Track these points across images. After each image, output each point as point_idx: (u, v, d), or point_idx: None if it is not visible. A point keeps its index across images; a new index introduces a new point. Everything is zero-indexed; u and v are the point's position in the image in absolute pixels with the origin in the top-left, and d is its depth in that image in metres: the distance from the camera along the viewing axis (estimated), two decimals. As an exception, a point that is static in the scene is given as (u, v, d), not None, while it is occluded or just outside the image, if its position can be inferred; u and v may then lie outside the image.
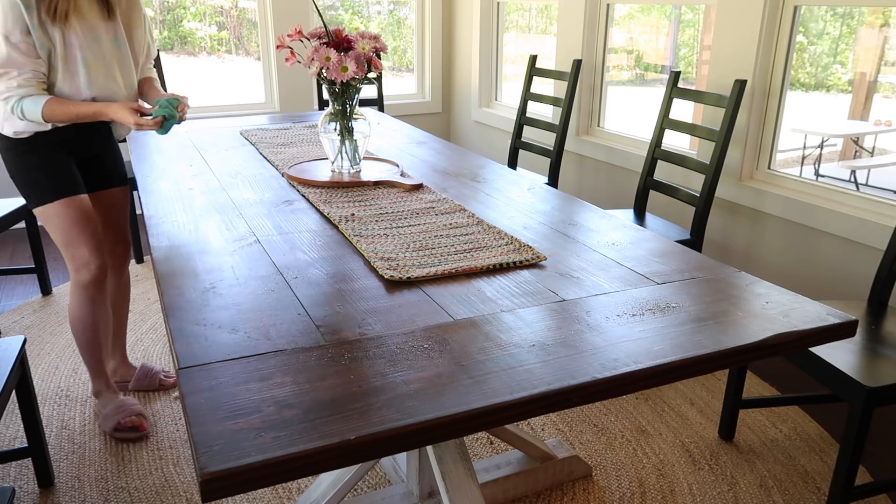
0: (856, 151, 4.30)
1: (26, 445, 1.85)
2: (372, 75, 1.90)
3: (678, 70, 2.66)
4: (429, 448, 1.45)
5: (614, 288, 1.30)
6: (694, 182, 2.91)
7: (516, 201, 1.84)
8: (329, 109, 1.96)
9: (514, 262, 1.39)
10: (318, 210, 1.74)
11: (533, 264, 1.41)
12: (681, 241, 2.44)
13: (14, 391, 1.77)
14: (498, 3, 4.28)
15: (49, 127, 1.90)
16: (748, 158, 2.73)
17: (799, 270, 2.58)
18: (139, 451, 2.04)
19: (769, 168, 2.71)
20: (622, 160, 3.32)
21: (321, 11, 2.90)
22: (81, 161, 2.06)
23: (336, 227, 1.61)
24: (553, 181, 3.19)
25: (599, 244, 1.53)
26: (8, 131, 1.89)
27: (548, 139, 3.81)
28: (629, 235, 1.59)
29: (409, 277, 1.31)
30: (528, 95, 3.38)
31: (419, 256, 1.42)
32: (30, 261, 3.41)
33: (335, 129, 1.97)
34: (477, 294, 1.26)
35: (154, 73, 2.21)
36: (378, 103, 3.99)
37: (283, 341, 1.09)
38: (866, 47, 3.63)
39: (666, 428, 2.17)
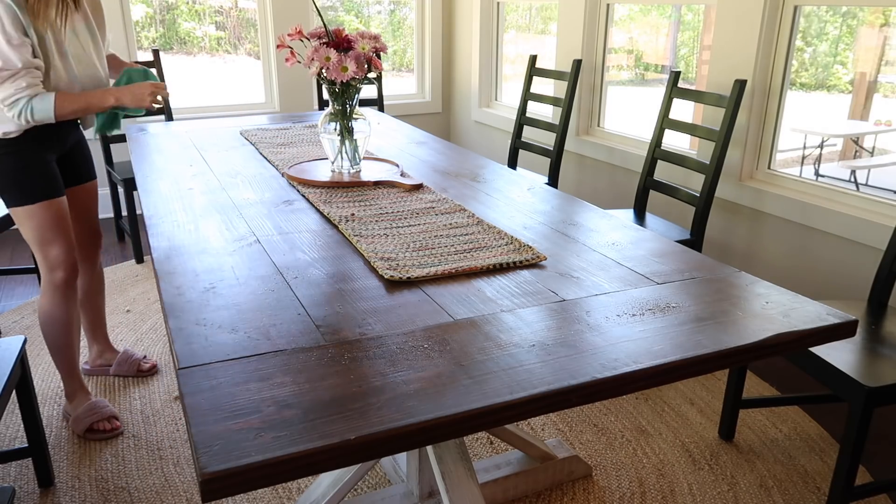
0: (856, 151, 4.30)
1: (26, 445, 1.85)
2: (372, 75, 1.90)
3: (678, 70, 2.66)
4: (429, 448, 1.45)
5: (614, 288, 1.30)
6: (694, 182, 2.91)
7: (516, 201, 1.84)
8: (329, 109, 1.96)
9: (515, 262, 1.39)
10: (318, 210, 1.74)
11: (533, 264, 1.41)
12: (681, 241, 2.44)
13: (14, 391, 1.77)
14: (498, 3, 4.28)
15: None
16: (748, 158, 2.73)
17: (799, 270, 2.58)
18: (139, 451, 2.04)
19: (769, 168, 2.71)
20: (622, 160, 3.32)
21: (321, 11, 2.90)
22: (57, 158, 2.08)
23: (336, 227, 1.61)
24: (553, 181, 3.19)
25: (599, 244, 1.53)
26: None
27: (548, 139, 3.81)
28: (629, 235, 1.59)
29: (409, 277, 1.31)
30: (528, 95, 3.38)
31: (419, 256, 1.42)
32: (30, 261, 3.41)
33: (335, 129, 1.97)
34: (477, 294, 1.26)
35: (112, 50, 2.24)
36: (378, 103, 3.99)
37: (283, 341, 1.09)
38: (866, 47, 3.63)
39: (666, 428, 2.17)
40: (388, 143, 2.52)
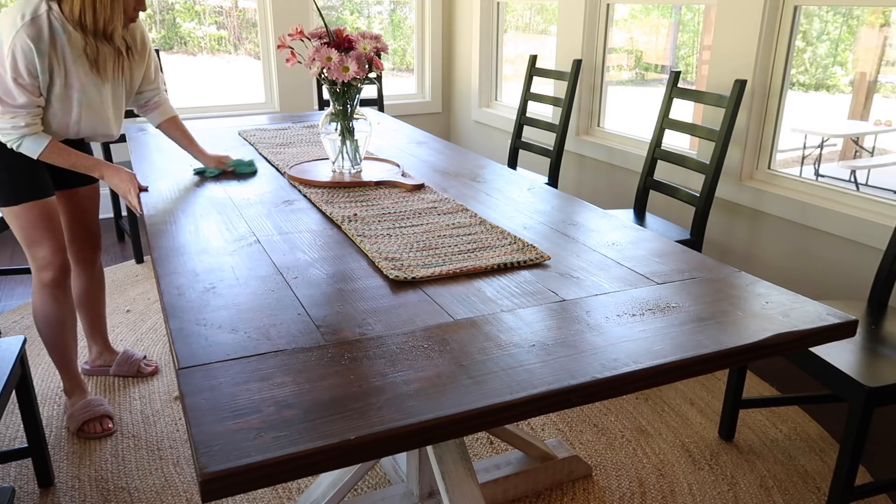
0: (856, 151, 4.30)
1: (26, 445, 1.85)
2: (373, 75, 1.90)
3: (678, 70, 2.66)
4: (429, 448, 1.45)
5: (614, 288, 1.30)
6: (694, 182, 2.91)
7: (516, 201, 1.84)
8: (330, 109, 1.96)
9: (519, 262, 1.39)
10: (319, 210, 1.74)
11: (534, 264, 1.41)
12: (681, 241, 2.44)
13: (14, 391, 1.77)
14: (498, 3, 4.28)
15: None
16: (748, 158, 2.73)
17: (799, 270, 2.58)
18: (139, 451, 2.04)
19: (769, 168, 2.71)
20: (622, 160, 3.32)
21: (321, 11, 2.90)
22: None
23: (337, 226, 1.62)
24: (553, 181, 3.19)
25: (599, 244, 1.53)
26: None
27: (548, 139, 3.81)
28: (629, 235, 1.59)
29: (413, 277, 1.31)
30: (528, 95, 3.38)
31: (423, 256, 1.42)
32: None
33: (336, 130, 1.97)
34: (477, 294, 1.26)
35: (169, 106, 2.17)
36: (378, 103, 3.99)
37: (283, 341, 1.09)
38: (866, 47, 3.63)
39: (666, 428, 2.17)
40: (389, 143, 2.52)
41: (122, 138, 3.56)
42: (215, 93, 4.47)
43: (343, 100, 1.91)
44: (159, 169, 2.10)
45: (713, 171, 2.43)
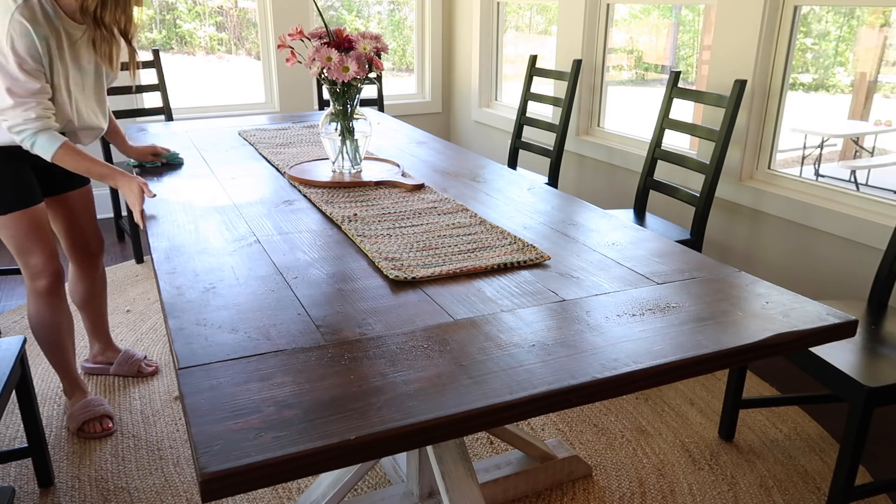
0: (856, 151, 4.30)
1: (26, 445, 1.85)
2: (373, 75, 1.90)
3: (678, 70, 2.66)
4: (429, 448, 1.45)
5: (614, 288, 1.30)
6: (694, 182, 2.91)
7: (516, 201, 1.84)
8: (330, 109, 1.96)
9: (519, 262, 1.39)
10: (319, 210, 1.74)
11: (534, 264, 1.41)
12: (681, 241, 2.44)
13: (14, 391, 1.77)
14: (498, 3, 4.28)
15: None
16: (748, 158, 2.73)
17: (799, 270, 2.58)
18: (139, 451, 2.04)
19: (769, 168, 2.71)
20: (622, 160, 3.32)
21: (321, 11, 2.90)
22: (42, 166, 2.00)
23: (337, 226, 1.62)
24: (553, 181, 3.19)
25: (599, 244, 1.53)
26: None
27: (548, 139, 3.81)
28: (629, 235, 1.59)
29: (413, 277, 1.31)
30: (528, 95, 3.38)
31: (423, 256, 1.42)
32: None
33: (336, 130, 1.97)
34: (477, 294, 1.26)
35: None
36: (378, 103, 3.99)
37: (283, 341, 1.09)
38: (866, 47, 3.63)
39: (666, 428, 2.17)
40: (389, 143, 2.52)
41: (122, 138, 3.55)
42: (215, 93, 4.47)
43: (343, 100, 1.91)
44: (159, 168, 2.10)
45: (713, 171, 2.43)
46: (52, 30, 1.74)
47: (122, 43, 1.89)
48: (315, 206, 1.77)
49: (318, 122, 2.87)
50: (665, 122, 2.66)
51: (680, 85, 2.72)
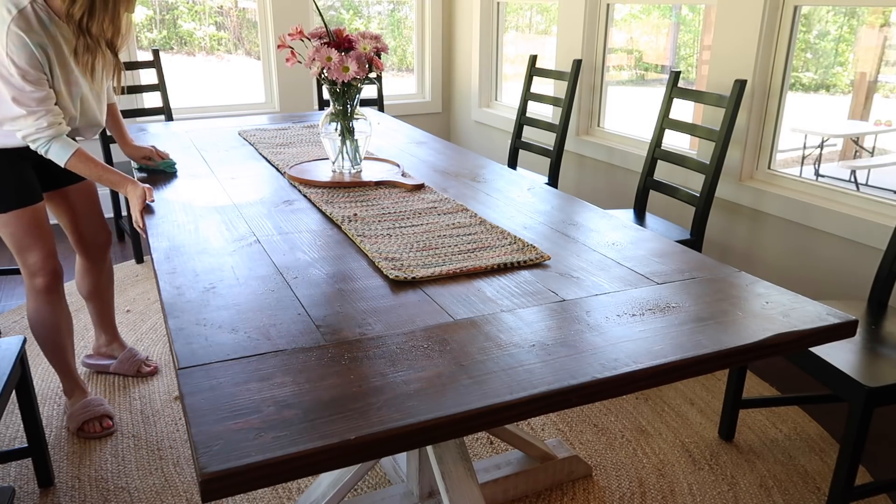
0: (856, 151, 4.30)
1: (26, 445, 1.85)
2: (373, 75, 1.90)
3: (678, 70, 2.66)
4: (429, 448, 1.45)
5: (614, 288, 1.30)
6: (694, 182, 2.91)
7: (516, 201, 1.84)
8: (330, 109, 1.96)
9: (519, 262, 1.39)
10: (319, 210, 1.74)
11: (535, 264, 1.41)
12: (681, 241, 2.44)
13: (14, 391, 1.77)
14: (498, 3, 4.28)
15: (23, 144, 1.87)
16: (748, 158, 2.73)
17: (799, 270, 2.58)
18: (139, 451, 2.04)
19: (769, 168, 2.71)
20: (622, 160, 3.32)
21: (321, 11, 2.90)
22: (42, 162, 2.00)
23: (338, 226, 1.62)
24: (553, 181, 3.19)
25: (599, 244, 1.53)
26: None
27: (548, 139, 3.81)
28: (629, 235, 1.59)
29: (413, 277, 1.31)
30: (528, 95, 3.38)
31: (423, 256, 1.42)
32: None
33: (336, 130, 1.97)
34: (477, 294, 1.26)
35: (111, 92, 2.19)
36: (378, 103, 3.99)
37: (283, 341, 1.09)
38: (866, 47, 3.63)
39: (666, 428, 2.17)
40: (389, 143, 2.52)
41: (122, 138, 3.55)
42: (215, 93, 4.47)
43: (343, 100, 1.91)
44: (158, 174, 2.10)
45: (713, 171, 2.43)
46: (49, 37, 1.74)
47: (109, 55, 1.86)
48: (315, 206, 1.77)
49: (318, 122, 2.87)
50: (665, 122, 2.66)
51: (680, 85, 2.72)
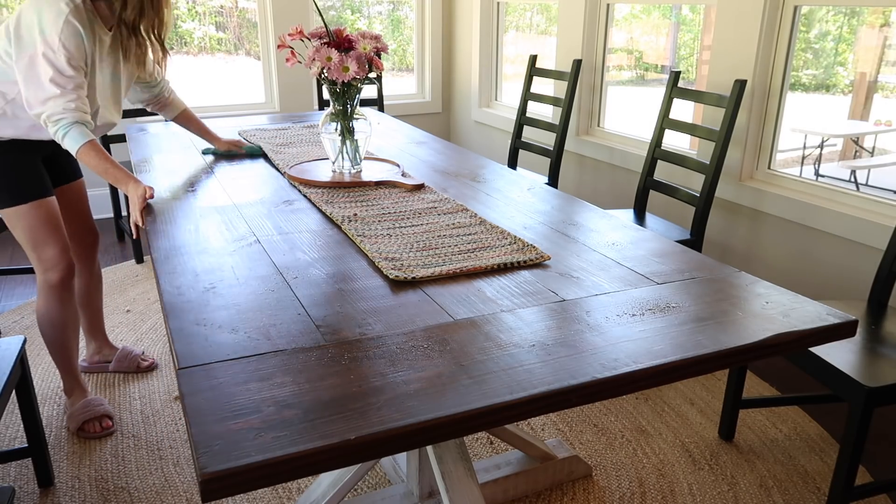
0: (856, 151, 4.30)
1: (26, 445, 1.85)
2: (373, 75, 1.90)
3: (678, 70, 2.66)
4: (429, 448, 1.45)
5: (614, 288, 1.30)
6: (694, 182, 2.91)
7: (516, 201, 1.84)
8: (330, 109, 1.96)
9: (519, 262, 1.39)
10: (319, 210, 1.74)
11: (535, 264, 1.41)
12: (681, 241, 2.44)
13: (14, 391, 1.77)
14: (498, 3, 4.28)
15: (38, 137, 1.93)
16: (748, 158, 2.73)
17: (799, 270, 2.59)
18: (139, 451, 2.04)
19: (769, 168, 2.71)
20: (622, 160, 3.32)
21: (321, 11, 2.90)
22: (43, 158, 2.06)
23: (338, 226, 1.61)
24: (553, 181, 3.19)
25: (599, 244, 1.53)
26: None
27: (548, 139, 3.81)
28: (629, 235, 1.59)
29: (413, 277, 1.31)
30: (528, 95, 3.38)
31: (423, 256, 1.42)
32: (29, 261, 3.40)
33: (336, 129, 1.97)
34: (477, 294, 1.26)
35: (179, 100, 2.29)
36: (378, 103, 3.99)
37: (283, 341, 1.09)
38: (866, 47, 3.63)
39: (666, 428, 2.17)
40: (389, 143, 2.52)
41: (123, 138, 3.56)
42: (215, 93, 4.47)
43: (343, 100, 1.91)
44: (159, 169, 2.10)
45: (713, 171, 2.43)
46: (92, 33, 1.81)
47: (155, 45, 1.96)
48: (315, 206, 1.77)
49: (318, 122, 2.87)
50: (665, 122, 2.66)
51: (680, 85, 2.72)
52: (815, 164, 4.31)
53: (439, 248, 1.47)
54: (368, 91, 4.05)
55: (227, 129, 2.71)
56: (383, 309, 1.20)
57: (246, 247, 1.48)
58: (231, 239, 1.53)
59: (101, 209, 4.15)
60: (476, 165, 2.21)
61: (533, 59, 3.38)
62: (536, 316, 1.18)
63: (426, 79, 4.78)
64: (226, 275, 1.33)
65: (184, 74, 4.40)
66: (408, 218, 1.65)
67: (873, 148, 4.27)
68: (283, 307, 1.20)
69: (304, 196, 1.85)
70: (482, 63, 4.39)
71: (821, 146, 4.30)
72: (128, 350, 2.45)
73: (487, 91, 4.47)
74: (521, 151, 4.01)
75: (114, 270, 3.36)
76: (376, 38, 1.86)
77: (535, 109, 3.59)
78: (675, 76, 2.65)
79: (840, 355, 1.68)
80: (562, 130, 3.16)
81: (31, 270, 3.03)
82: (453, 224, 1.62)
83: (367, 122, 1.99)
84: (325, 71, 1.84)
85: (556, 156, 3.18)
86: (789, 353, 1.19)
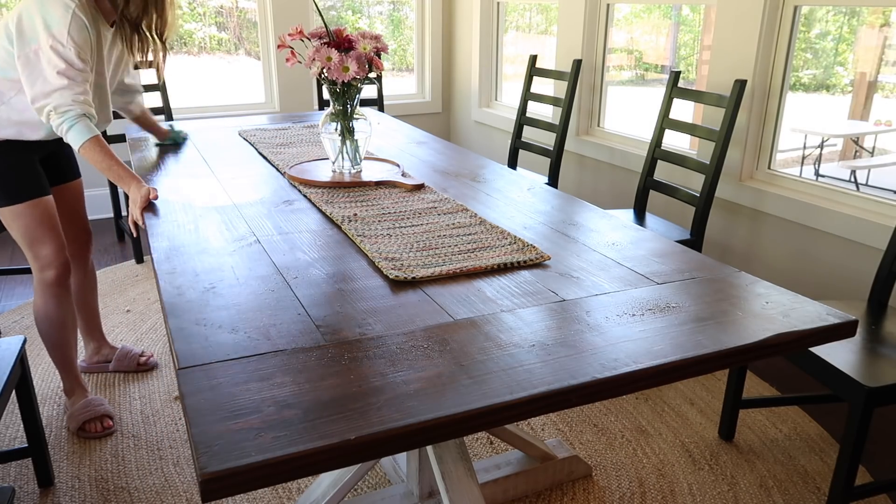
0: (856, 151, 4.30)
1: (26, 445, 1.85)
2: (373, 75, 1.90)
3: (678, 70, 2.66)
4: (429, 448, 1.45)
5: (614, 288, 1.30)
6: (694, 182, 2.91)
7: (516, 201, 1.84)
8: (330, 109, 1.96)
9: (519, 262, 1.39)
10: (319, 210, 1.74)
11: (535, 264, 1.41)
12: (681, 241, 2.44)
13: (14, 391, 1.77)
14: (498, 3, 4.28)
15: (34, 137, 1.93)
16: (748, 158, 2.73)
17: (799, 270, 2.58)
18: (139, 451, 2.04)
19: (769, 168, 2.71)
20: (622, 160, 3.32)
21: (321, 11, 2.90)
22: (42, 158, 2.08)
23: (337, 226, 1.61)
24: (553, 181, 3.19)
25: (599, 244, 1.53)
26: None
27: (548, 139, 3.81)
28: (629, 235, 1.59)
29: (414, 277, 1.31)
30: (528, 95, 3.38)
31: (423, 256, 1.42)
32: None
33: (336, 130, 1.97)
34: (477, 294, 1.26)
35: (143, 103, 2.40)
36: (378, 103, 3.99)
37: (283, 341, 1.09)
38: (866, 47, 3.63)
39: (666, 428, 2.17)
40: (389, 143, 2.52)
41: (122, 138, 3.55)
42: (215, 93, 4.47)
43: (343, 100, 1.91)
44: (159, 169, 2.10)
45: (713, 171, 2.43)
46: (95, 29, 1.83)
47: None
48: (315, 206, 1.77)
49: (318, 122, 2.87)
50: (665, 122, 2.66)
51: (680, 85, 2.72)
52: (815, 164, 4.31)
53: (439, 248, 1.47)
54: (368, 91, 4.05)
55: (227, 129, 2.71)
56: (383, 309, 1.20)
57: (246, 247, 1.48)
58: (231, 239, 1.53)
59: (100, 209, 4.15)
60: (476, 165, 2.21)
61: (533, 59, 3.38)
62: (536, 316, 1.18)
63: (426, 79, 4.78)
64: (226, 275, 1.33)
65: (184, 75, 4.40)
66: (408, 218, 1.65)
67: (873, 148, 4.27)
68: (283, 307, 1.20)
69: (304, 196, 1.85)
70: (482, 63, 4.39)
71: (821, 146, 4.30)
72: (127, 349, 2.45)
73: (487, 91, 4.47)
74: (521, 151, 4.01)
75: (114, 270, 3.36)
76: (376, 38, 1.86)
77: (535, 109, 3.59)
78: (675, 76, 2.65)
79: (840, 355, 1.68)
80: (562, 130, 3.16)
81: (31, 270, 3.03)
82: (453, 224, 1.62)
83: (367, 122, 1.99)
84: (325, 71, 1.84)
85: (556, 156, 3.18)
86: (789, 353, 1.19)
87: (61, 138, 2.08)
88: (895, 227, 1.97)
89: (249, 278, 1.32)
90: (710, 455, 2.04)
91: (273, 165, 2.16)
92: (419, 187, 1.90)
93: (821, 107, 4.16)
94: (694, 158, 2.54)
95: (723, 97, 2.44)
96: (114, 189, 3.69)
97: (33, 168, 1.96)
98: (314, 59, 1.83)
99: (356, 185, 1.92)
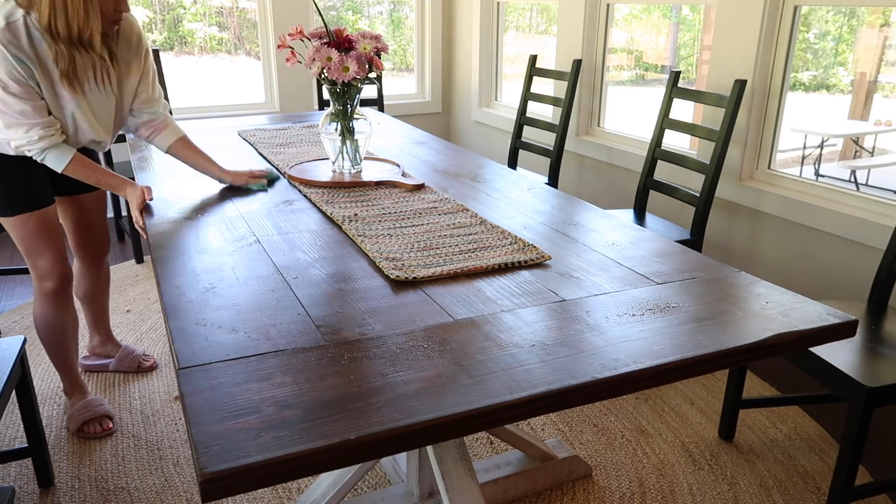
0: (856, 151, 4.30)
1: (26, 445, 1.85)
2: (373, 75, 1.90)
3: (678, 70, 2.66)
4: (429, 448, 1.45)
5: (614, 288, 1.30)
6: (694, 182, 2.91)
7: (516, 201, 1.84)
8: (330, 109, 1.96)
9: (519, 262, 1.39)
10: (319, 210, 1.74)
11: (534, 264, 1.41)
12: (681, 241, 2.44)
13: (14, 391, 1.77)
14: (498, 3, 4.28)
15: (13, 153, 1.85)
16: (748, 158, 2.73)
17: (799, 270, 2.58)
18: (139, 451, 2.04)
19: (769, 168, 2.71)
20: (622, 160, 3.32)
21: (321, 11, 2.90)
22: (48, 169, 1.95)
23: (338, 226, 1.61)
24: (553, 181, 3.19)
25: (599, 244, 1.53)
26: None
27: (548, 139, 3.81)
28: (629, 235, 1.59)
29: (414, 277, 1.31)
30: (528, 95, 3.38)
31: (424, 256, 1.42)
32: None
33: (336, 130, 1.97)
34: (477, 294, 1.26)
35: (175, 125, 2.00)
36: (378, 103, 3.99)
37: (283, 341, 1.09)
38: (866, 47, 3.63)
39: (666, 428, 2.17)
40: (389, 143, 2.52)
41: (122, 138, 3.56)
42: (215, 93, 4.47)
43: (343, 100, 1.91)
44: (159, 169, 2.10)
45: (713, 171, 2.43)
46: (35, 53, 1.66)
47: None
48: (315, 206, 1.77)
49: (318, 122, 2.87)
50: (665, 122, 2.66)
51: (680, 85, 2.72)
52: (815, 164, 4.31)
53: (440, 248, 1.47)
54: (368, 91, 4.05)
55: (227, 129, 2.71)
56: (383, 309, 1.20)
57: (246, 247, 1.48)
58: (231, 239, 1.53)
59: (101, 209, 4.15)
60: (476, 165, 2.21)
61: (533, 59, 3.38)
62: (536, 316, 1.18)
63: (426, 79, 4.78)
64: (226, 275, 1.33)
65: (184, 75, 4.40)
66: (408, 218, 1.65)
67: (873, 148, 4.27)
68: (283, 307, 1.20)
69: (305, 196, 1.85)
70: (482, 63, 4.39)
71: (821, 146, 4.30)
72: (129, 350, 2.45)
73: (487, 91, 4.47)
74: (521, 151, 4.00)
75: (114, 270, 3.36)
76: (376, 38, 1.86)
77: (535, 109, 3.59)
78: (675, 76, 2.65)
79: (840, 355, 1.68)
80: (562, 130, 3.16)
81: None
82: (453, 224, 1.62)
83: (367, 122, 1.99)
84: (325, 71, 1.84)
85: (556, 156, 3.18)
86: (789, 353, 1.19)
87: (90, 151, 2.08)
88: (895, 227, 1.97)
89: (249, 278, 1.32)
90: (710, 455, 2.04)
91: (273, 165, 2.16)
92: (419, 187, 1.90)
93: (821, 107, 4.16)
94: (694, 158, 2.54)
95: (723, 97, 2.44)
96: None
97: (35, 178, 1.91)
98: (314, 59, 1.83)
99: (356, 185, 1.92)
